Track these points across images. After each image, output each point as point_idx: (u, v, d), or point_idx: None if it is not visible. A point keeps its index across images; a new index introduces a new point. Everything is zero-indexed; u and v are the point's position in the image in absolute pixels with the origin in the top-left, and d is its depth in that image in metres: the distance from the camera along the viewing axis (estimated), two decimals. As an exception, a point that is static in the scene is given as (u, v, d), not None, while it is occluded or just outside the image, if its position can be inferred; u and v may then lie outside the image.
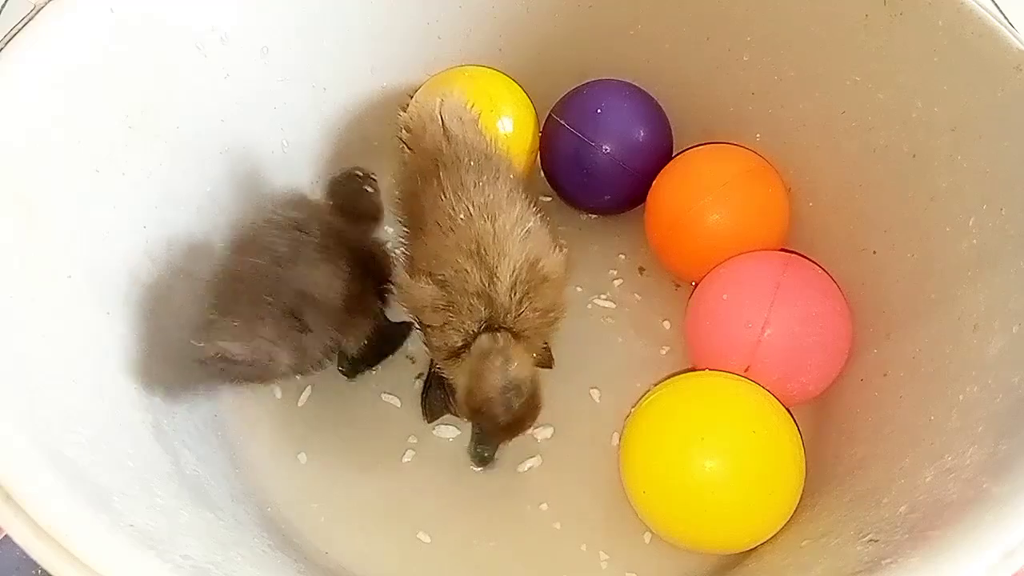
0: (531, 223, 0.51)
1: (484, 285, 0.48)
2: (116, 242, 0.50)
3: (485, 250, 0.49)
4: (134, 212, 0.52)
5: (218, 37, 0.57)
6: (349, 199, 0.58)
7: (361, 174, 0.58)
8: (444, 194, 0.51)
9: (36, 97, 0.46)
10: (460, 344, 0.49)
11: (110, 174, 0.50)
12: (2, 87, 0.44)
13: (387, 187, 0.59)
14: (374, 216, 0.59)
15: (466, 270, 0.49)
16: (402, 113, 0.59)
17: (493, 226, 0.49)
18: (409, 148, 0.57)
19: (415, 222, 0.54)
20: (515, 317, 0.49)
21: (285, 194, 0.59)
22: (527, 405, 0.49)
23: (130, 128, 0.51)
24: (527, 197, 0.54)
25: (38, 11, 0.47)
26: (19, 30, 0.46)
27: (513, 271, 0.49)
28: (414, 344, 0.62)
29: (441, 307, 0.49)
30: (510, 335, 0.49)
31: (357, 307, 0.53)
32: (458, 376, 0.51)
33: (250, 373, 0.50)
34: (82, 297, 0.47)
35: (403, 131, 0.58)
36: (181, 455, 0.49)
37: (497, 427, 0.49)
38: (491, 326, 0.49)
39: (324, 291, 0.51)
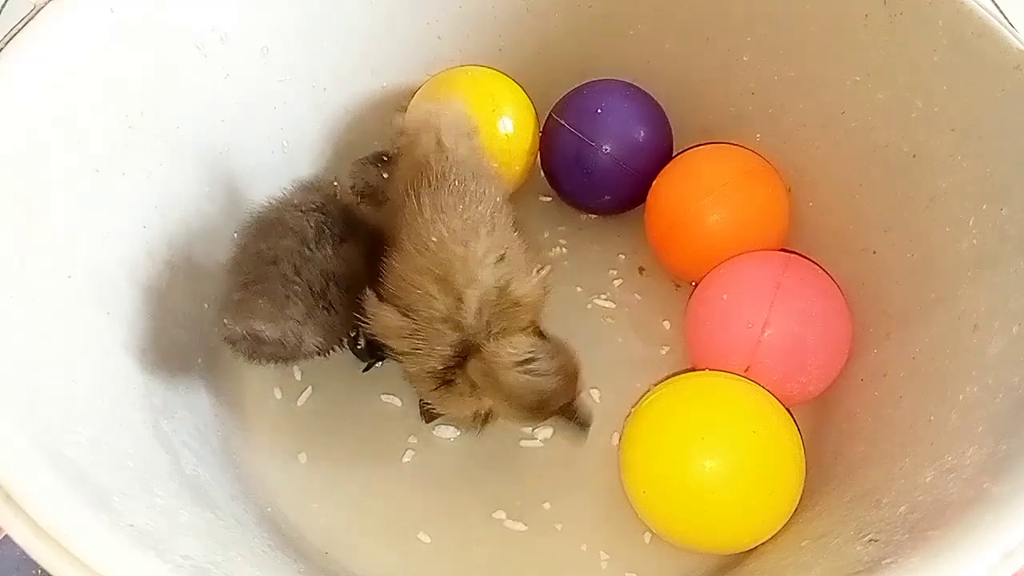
0: (506, 248, 0.50)
1: (449, 311, 0.48)
2: (116, 242, 0.50)
3: (453, 276, 0.48)
4: (134, 212, 0.52)
5: (218, 37, 0.57)
6: (367, 181, 0.58)
7: (387, 158, 0.58)
8: (423, 213, 0.50)
9: (36, 97, 0.46)
10: (440, 368, 0.49)
11: (110, 174, 0.50)
12: (2, 87, 0.44)
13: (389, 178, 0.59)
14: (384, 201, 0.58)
15: (431, 295, 0.48)
16: (397, 117, 0.58)
17: (464, 252, 0.48)
18: (401, 153, 0.56)
19: (393, 235, 0.53)
20: (488, 335, 0.48)
21: (297, 181, 0.59)
22: (569, 367, 0.48)
23: (130, 128, 0.51)
24: (510, 219, 0.53)
25: (38, 11, 0.47)
26: (19, 30, 0.46)
27: (480, 297, 0.48)
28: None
29: (406, 335, 0.49)
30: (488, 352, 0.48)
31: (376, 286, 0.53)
32: (451, 406, 0.51)
33: (278, 353, 0.51)
34: (82, 297, 0.47)
35: (399, 135, 0.57)
36: (181, 455, 0.49)
37: (569, 400, 0.48)
38: (465, 346, 0.48)
39: (348, 270, 0.52)
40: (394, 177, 0.56)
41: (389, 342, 0.50)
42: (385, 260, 0.52)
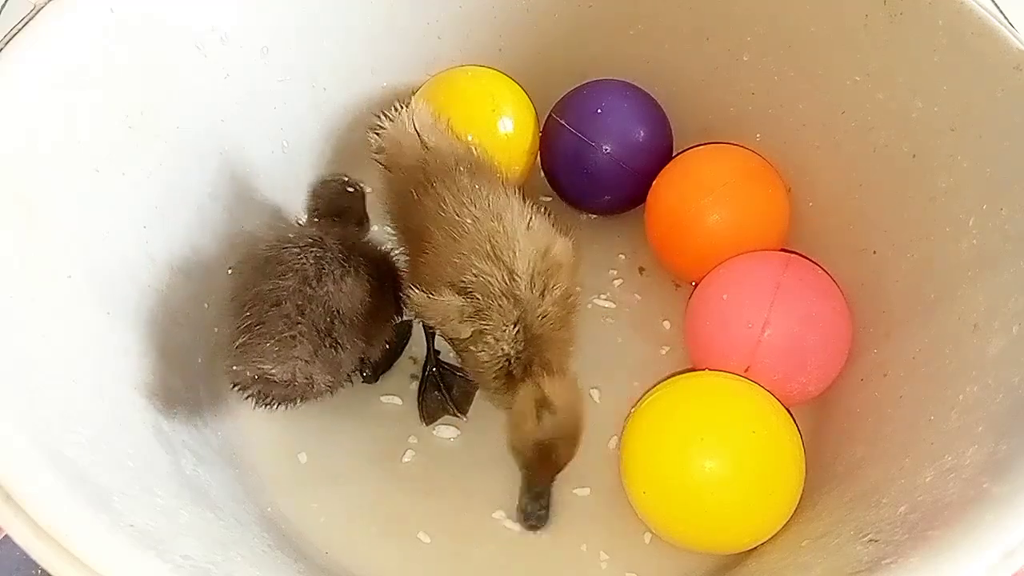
0: (531, 215, 0.52)
1: (507, 284, 0.48)
2: (116, 242, 0.50)
3: (500, 250, 0.49)
4: (134, 212, 0.52)
5: (218, 37, 0.57)
6: (332, 205, 0.58)
7: (345, 179, 0.59)
8: (444, 203, 0.51)
9: (36, 97, 0.46)
10: (513, 354, 0.50)
11: (110, 174, 0.50)
12: (2, 87, 0.44)
13: (382, 190, 0.59)
14: (357, 222, 0.59)
15: (487, 272, 0.48)
16: (372, 136, 0.58)
17: (501, 224, 0.50)
18: (388, 169, 0.56)
19: (415, 239, 0.53)
20: (542, 318, 0.49)
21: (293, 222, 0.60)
22: (572, 438, 0.51)
23: (130, 128, 0.51)
24: (518, 190, 0.54)
25: (38, 11, 0.47)
26: (19, 30, 0.46)
27: (529, 264, 0.49)
28: (416, 345, 0.62)
29: (470, 315, 0.49)
30: (542, 371, 0.50)
31: (378, 315, 0.54)
32: (508, 399, 0.52)
33: (289, 394, 0.51)
34: (82, 297, 0.47)
35: (378, 153, 0.57)
36: (181, 455, 0.49)
37: (551, 466, 0.51)
38: (526, 329, 0.49)
39: (351, 305, 0.52)
40: (390, 191, 0.57)
41: (448, 330, 0.50)
42: (392, 287, 0.54)
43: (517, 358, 0.50)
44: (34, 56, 0.46)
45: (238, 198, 0.61)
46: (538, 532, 0.53)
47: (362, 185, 0.60)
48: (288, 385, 0.50)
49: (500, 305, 0.49)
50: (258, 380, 0.49)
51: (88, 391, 0.44)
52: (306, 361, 0.50)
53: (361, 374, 0.59)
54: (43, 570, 0.32)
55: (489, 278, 0.48)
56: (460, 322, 0.49)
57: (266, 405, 0.51)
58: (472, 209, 0.50)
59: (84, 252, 0.48)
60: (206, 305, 0.57)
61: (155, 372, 0.51)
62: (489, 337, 0.49)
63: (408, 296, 0.51)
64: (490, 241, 0.49)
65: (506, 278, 0.48)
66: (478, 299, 0.49)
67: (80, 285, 0.46)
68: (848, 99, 0.56)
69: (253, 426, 0.59)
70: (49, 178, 0.46)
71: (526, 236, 0.50)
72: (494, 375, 0.51)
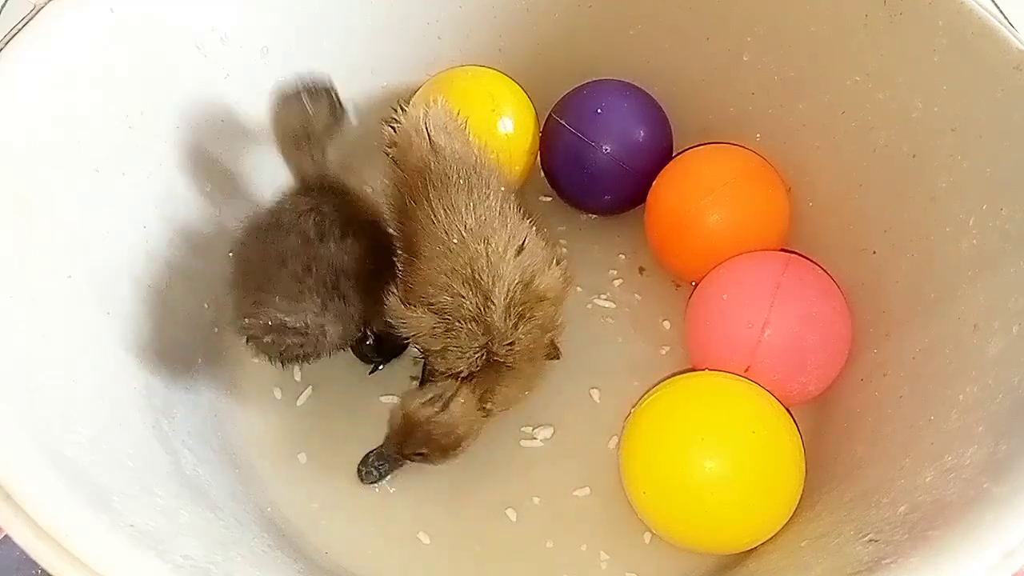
0: (525, 238, 0.51)
1: (480, 310, 0.49)
2: (116, 242, 0.50)
3: (479, 275, 0.49)
4: (134, 212, 0.52)
5: (218, 37, 0.57)
6: (299, 123, 0.55)
7: (306, 88, 0.55)
8: (435, 216, 0.51)
9: (36, 97, 0.46)
10: (465, 373, 0.51)
11: (110, 174, 0.50)
12: (2, 87, 0.44)
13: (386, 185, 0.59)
14: (333, 128, 0.56)
15: (462, 295, 0.49)
16: (386, 127, 0.58)
17: (486, 249, 0.49)
18: (396, 164, 0.56)
19: (408, 243, 0.53)
20: (508, 346, 0.50)
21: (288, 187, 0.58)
22: (438, 446, 0.52)
23: (130, 128, 0.51)
24: (519, 207, 0.54)
25: (38, 11, 0.47)
26: (19, 30, 0.46)
27: (507, 294, 0.49)
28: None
29: (440, 333, 0.50)
30: (482, 391, 0.51)
31: (380, 276, 0.54)
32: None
33: (303, 345, 0.51)
34: (82, 297, 0.47)
35: (389, 146, 0.57)
36: (181, 455, 0.49)
37: (407, 445, 0.52)
38: (488, 351, 0.50)
39: (354, 263, 0.52)
40: (392, 187, 0.56)
41: (420, 342, 0.51)
42: (389, 252, 0.54)
43: (470, 376, 0.51)
44: (34, 56, 0.46)
45: (238, 198, 0.61)
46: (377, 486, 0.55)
47: (327, 87, 0.56)
48: (302, 333, 0.50)
49: (470, 329, 0.49)
50: (272, 329, 0.50)
51: (88, 391, 0.44)
52: (316, 313, 0.50)
53: (363, 344, 0.59)
54: (43, 570, 0.32)
55: (464, 301, 0.49)
56: (431, 337, 0.50)
57: (281, 358, 0.52)
58: (460, 228, 0.50)
59: (84, 252, 0.48)
60: (206, 305, 0.57)
61: (155, 372, 0.51)
62: (451, 354, 0.50)
63: (387, 300, 0.51)
64: (472, 265, 0.49)
65: (480, 304, 0.49)
66: (449, 320, 0.49)
67: (80, 285, 0.47)
68: (848, 99, 0.56)
69: (253, 426, 0.59)
70: (49, 178, 0.46)
71: (512, 263, 0.50)
72: (443, 375, 0.52)
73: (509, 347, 0.50)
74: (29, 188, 0.44)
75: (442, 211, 0.51)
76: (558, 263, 0.53)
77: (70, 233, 0.47)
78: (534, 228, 0.53)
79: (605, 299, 0.65)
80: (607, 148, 0.63)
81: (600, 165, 0.64)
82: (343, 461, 0.57)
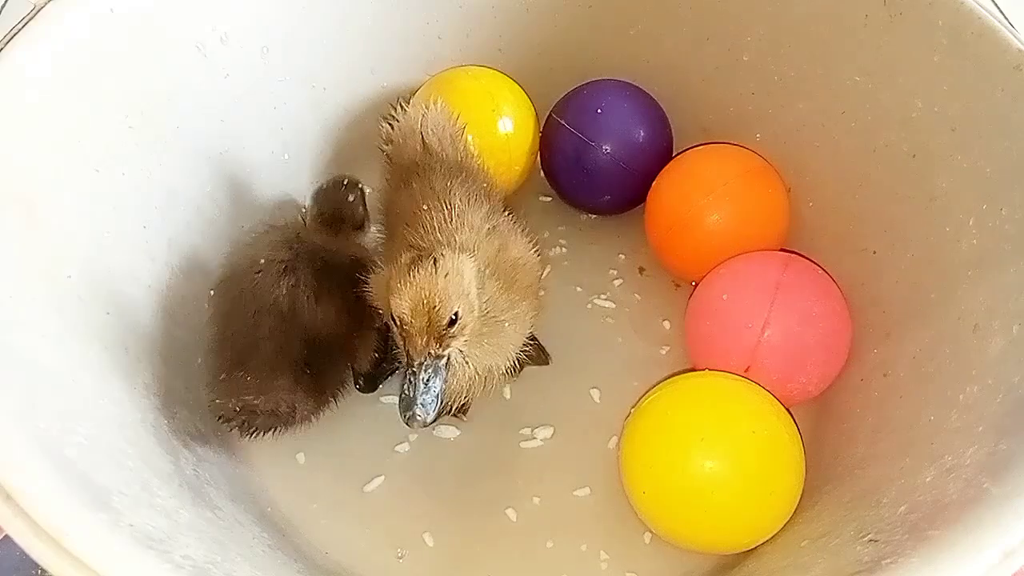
0: (497, 221, 0.52)
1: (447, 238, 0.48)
2: (116, 242, 0.50)
3: (442, 227, 0.49)
4: (134, 212, 0.52)
5: (218, 37, 0.57)
6: (334, 207, 0.58)
7: (347, 182, 0.59)
8: (414, 197, 0.52)
9: (36, 97, 0.46)
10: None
11: (110, 174, 0.50)
12: (2, 87, 0.44)
13: (381, 187, 0.60)
14: (358, 225, 0.59)
15: (428, 241, 0.48)
16: (384, 123, 0.58)
17: (460, 220, 0.50)
18: (390, 160, 0.57)
19: (389, 230, 0.54)
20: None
21: (264, 224, 0.58)
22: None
23: (130, 128, 0.51)
24: (500, 207, 0.54)
25: (38, 11, 0.47)
26: (19, 30, 0.46)
27: (478, 249, 0.48)
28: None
29: (407, 264, 0.45)
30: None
31: (360, 327, 0.54)
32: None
33: (272, 423, 0.53)
34: (82, 297, 0.47)
35: (385, 143, 0.58)
36: (181, 455, 0.49)
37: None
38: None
39: (328, 328, 0.53)
40: (384, 182, 0.57)
41: (387, 305, 0.47)
42: (365, 301, 0.53)
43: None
44: (34, 56, 0.46)
45: (238, 198, 0.61)
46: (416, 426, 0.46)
47: (362, 186, 0.60)
48: (272, 414, 0.52)
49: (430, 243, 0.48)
50: (242, 411, 0.51)
51: (88, 391, 0.44)
52: (288, 390, 0.51)
53: (356, 385, 0.59)
54: (43, 570, 0.33)
55: (430, 239, 0.48)
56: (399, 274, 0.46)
57: (251, 434, 0.53)
58: (432, 202, 0.50)
59: (84, 252, 0.48)
60: (206, 305, 0.57)
61: (155, 372, 0.51)
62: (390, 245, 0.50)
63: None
64: (437, 223, 0.49)
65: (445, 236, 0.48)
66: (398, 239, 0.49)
67: (80, 285, 0.46)
68: (848, 99, 0.56)
69: (253, 426, 0.59)
70: (49, 178, 0.46)
71: (484, 236, 0.50)
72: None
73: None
74: (29, 188, 0.44)
75: (419, 193, 0.52)
76: (531, 243, 0.53)
77: (70, 233, 0.47)
78: (517, 224, 0.53)
79: (605, 299, 0.65)
80: (607, 148, 0.63)
81: (600, 165, 0.64)
82: (343, 461, 0.57)
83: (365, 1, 0.64)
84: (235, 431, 0.53)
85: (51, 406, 0.40)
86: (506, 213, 0.54)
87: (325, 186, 0.59)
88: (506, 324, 0.49)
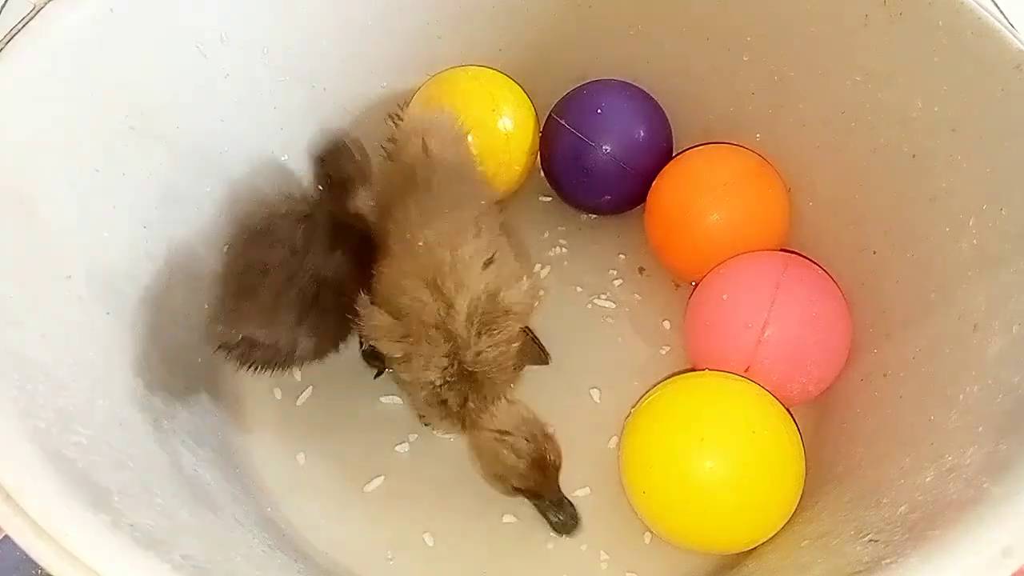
0: (494, 252, 0.51)
1: (441, 316, 0.48)
2: (116, 242, 0.50)
3: (442, 281, 0.48)
4: (134, 212, 0.52)
5: (218, 37, 0.57)
6: (341, 171, 0.57)
7: (346, 142, 0.58)
8: (408, 217, 0.51)
9: (36, 97, 0.46)
10: (440, 383, 0.49)
11: (110, 174, 0.50)
12: (2, 87, 0.44)
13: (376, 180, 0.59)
14: (360, 181, 0.58)
15: (421, 300, 0.48)
16: (388, 121, 0.58)
17: (452, 256, 0.49)
18: (389, 158, 0.57)
19: (384, 242, 0.53)
20: (475, 355, 0.49)
21: (285, 193, 0.59)
22: (547, 439, 0.50)
23: (130, 128, 0.51)
24: (497, 223, 0.54)
25: (38, 11, 0.47)
26: (19, 30, 0.46)
27: (471, 302, 0.48)
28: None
29: (398, 338, 0.49)
30: (483, 406, 0.50)
31: (369, 286, 0.54)
32: (440, 425, 0.53)
33: (272, 358, 0.52)
34: (82, 297, 0.47)
35: (388, 141, 0.58)
36: (181, 455, 0.49)
37: (550, 476, 0.51)
38: (459, 363, 0.49)
39: (339, 276, 0.53)
40: (381, 180, 0.57)
41: (381, 345, 0.50)
42: (375, 265, 0.53)
43: (449, 389, 0.50)
44: (34, 56, 0.46)
45: (238, 198, 0.61)
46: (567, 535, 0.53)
47: (357, 138, 0.59)
48: (271, 348, 0.51)
49: (431, 335, 0.48)
50: (242, 342, 0.50)
51: (88, 391, 0.44)
52: (291, 326, 0.51)
53: (367, 360, 0.59)
54: (43, 570, 0.32)
55: (424, 306, 0.48)
56: (391, 341, 0.49)
57: (249, 367, 0.52)
58: (429, 232, 0.50)
59: (84, 252, 0.48)
60: (206, 306, 0.57)
61: (155, 372, 0.51)
62: (416, 363, 0.49)
63: (358, 302, 0.51)
64: (436, 271, 0.48)
65: (442, 311, 0.48)
66: (407, 324, 0.49)
67: (80, 285, 0.46)
68: (848, 99, 0.56)
69: (253, 426, 0.59)
70: (49, 178, 0.46)
71: (478, 274, 0.49)
72: (426, 400, 0.51)
73: (477, 357, 0.49)
74: (29, 188, 0.44)
75: (415, 213, 0.51)
76: (529, 277, 0.52)
77: (70, 233, 0.47)
78: (511, 245, 0.53)
79: (605, 299, 0.65)
80: (607, 148, 0.63)
81: (600, 165, 0.64)
82: (343, 461, 0.57)
83: (365, 1, 0.64)
84: (238, 367, 0.52)
85: (51, 406, 0.40)
86: (504, 237, 0.53)
87: (326, 152, 0.58)
88: (498, 377, 0.51)
